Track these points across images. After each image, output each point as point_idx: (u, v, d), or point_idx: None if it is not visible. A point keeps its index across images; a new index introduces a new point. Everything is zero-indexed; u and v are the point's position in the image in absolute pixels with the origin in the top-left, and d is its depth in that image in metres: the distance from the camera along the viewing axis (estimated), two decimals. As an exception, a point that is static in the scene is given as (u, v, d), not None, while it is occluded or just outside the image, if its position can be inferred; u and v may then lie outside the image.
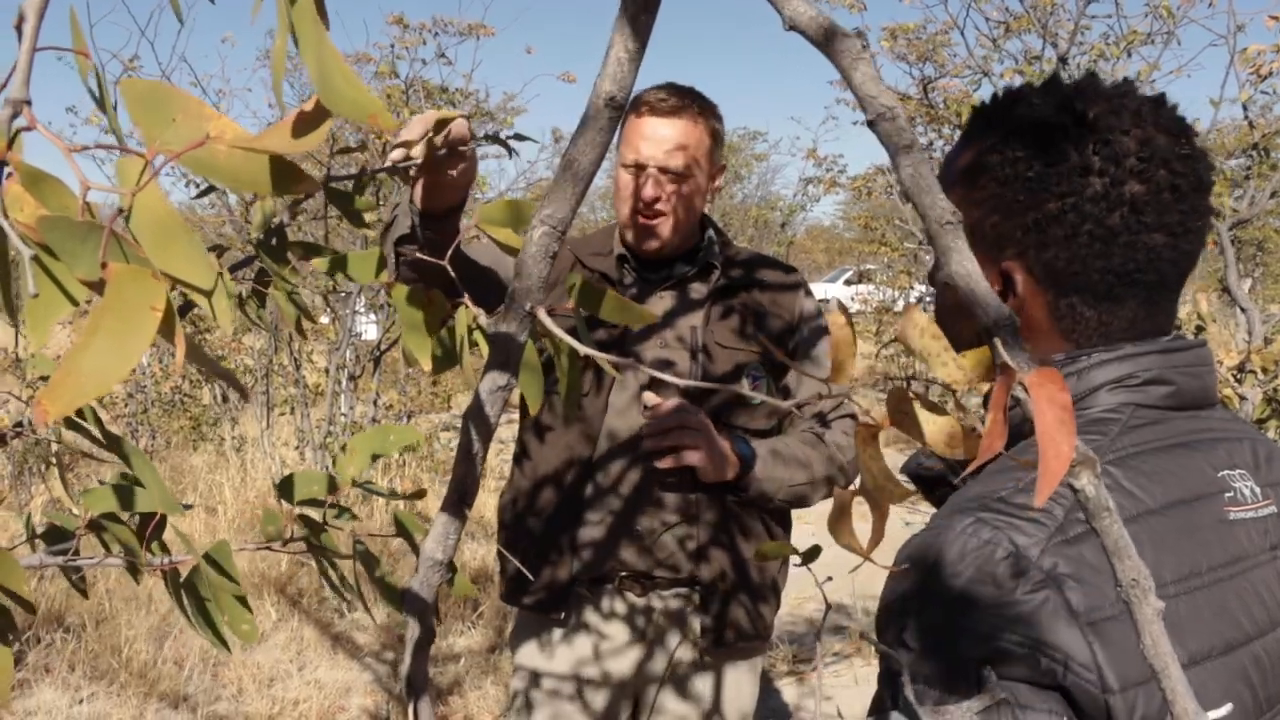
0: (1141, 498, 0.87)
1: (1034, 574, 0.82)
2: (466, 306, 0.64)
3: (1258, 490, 0.95)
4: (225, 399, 8.27)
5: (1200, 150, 0.95)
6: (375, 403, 6.90)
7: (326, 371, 7.20)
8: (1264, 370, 3.54)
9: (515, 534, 2.11)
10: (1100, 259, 0.93)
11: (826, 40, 0.48)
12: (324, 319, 7.57)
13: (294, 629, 4.83)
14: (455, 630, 4.96)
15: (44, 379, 0.92)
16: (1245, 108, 3.94)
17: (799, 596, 5.25)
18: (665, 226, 2.02)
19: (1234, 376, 3.58)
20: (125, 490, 0.79)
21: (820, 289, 22.24)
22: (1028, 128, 0.95)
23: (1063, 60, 4.79)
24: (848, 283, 21.56)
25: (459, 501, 0.65)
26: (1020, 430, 0.93)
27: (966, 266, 0.43)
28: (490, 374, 0.61)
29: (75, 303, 0.46)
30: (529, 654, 2.14)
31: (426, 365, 0.65)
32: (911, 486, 0.57)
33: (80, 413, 1.09)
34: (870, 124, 0.46)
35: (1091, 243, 0.93)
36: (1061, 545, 0.83)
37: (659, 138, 1.98)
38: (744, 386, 2.05)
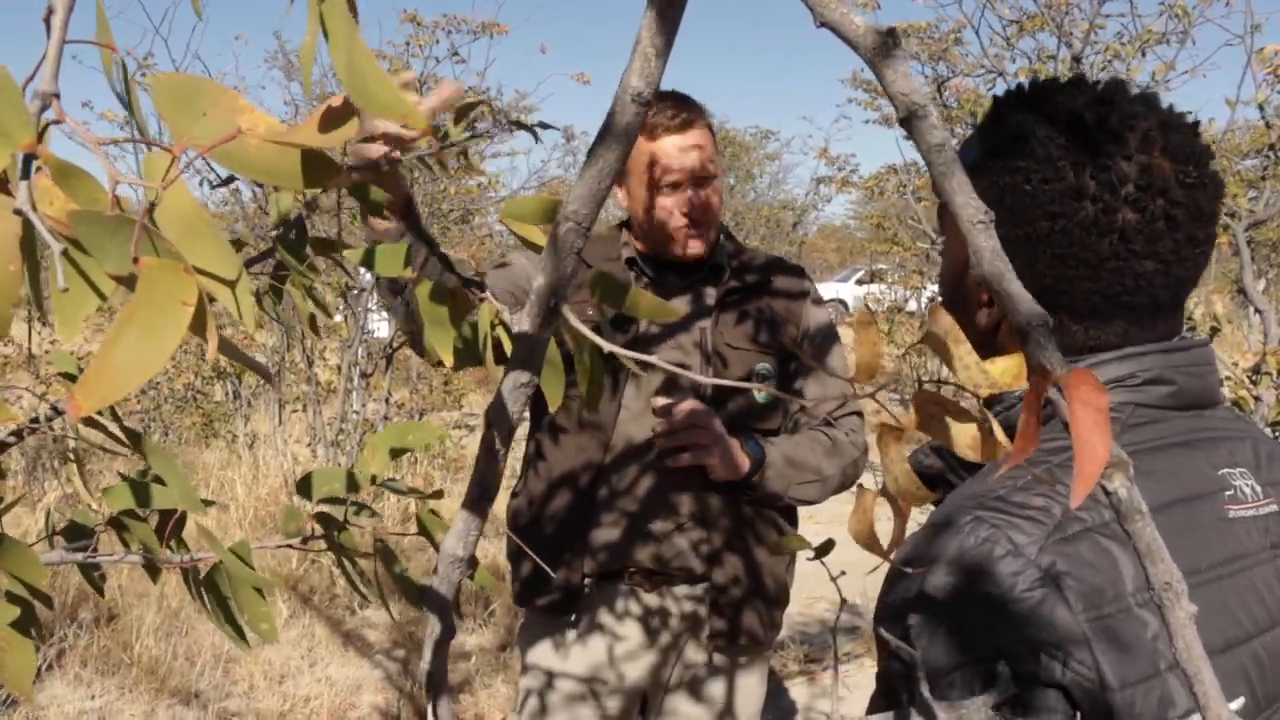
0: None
1: (1032, 572, 0.82)
2: (489, 302, 0.64)
3: (1259, 489, 0.94)
4: (237, 395, 8.29)
5: (1209, 177, 0.93)
6: (387, 400, 6.91)
7: (339, 369, 7.21)
8: (1279, 372, 3.52)
9: (527, 535, 2.12)
10: (1086, 282, 0.92)
11: (860, 38, 0.47)
12: (337, 316, 7.58)
13: (305, 626, 4.84)
14: (466, 629, 4.96)
15: (63, 375, 0.92)
16: (1262, 108, 3.91)
17: (810, 596, 5.24)
18: (711, 231, 2.09)
19: (1249, 378, 3.56)
20: (145, 487, 0.79)
21: (832, 288, 22.20)
22: (1032, 137, 0.93)
23: (1077, 60, 4.77)
24: (859, 282, 21.51)
25: (481, 498, 0.65)
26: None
27: (999, 266, 0.43)
28: (514, 371, 0.61)
29: (104, 297, 0.46)
30: (539, 653, 2.14)
31: (449, 361, 0.65)
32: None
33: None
34: (903, 121, 0.46)
35: (1078, 266, 0.92)
36: (1060, 543, 0.83)
37: (686, 151, 2.03)
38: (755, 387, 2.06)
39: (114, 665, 4.34)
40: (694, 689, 2.13)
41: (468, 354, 0.66)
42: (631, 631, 2.09)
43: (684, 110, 2.05)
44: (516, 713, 2.19)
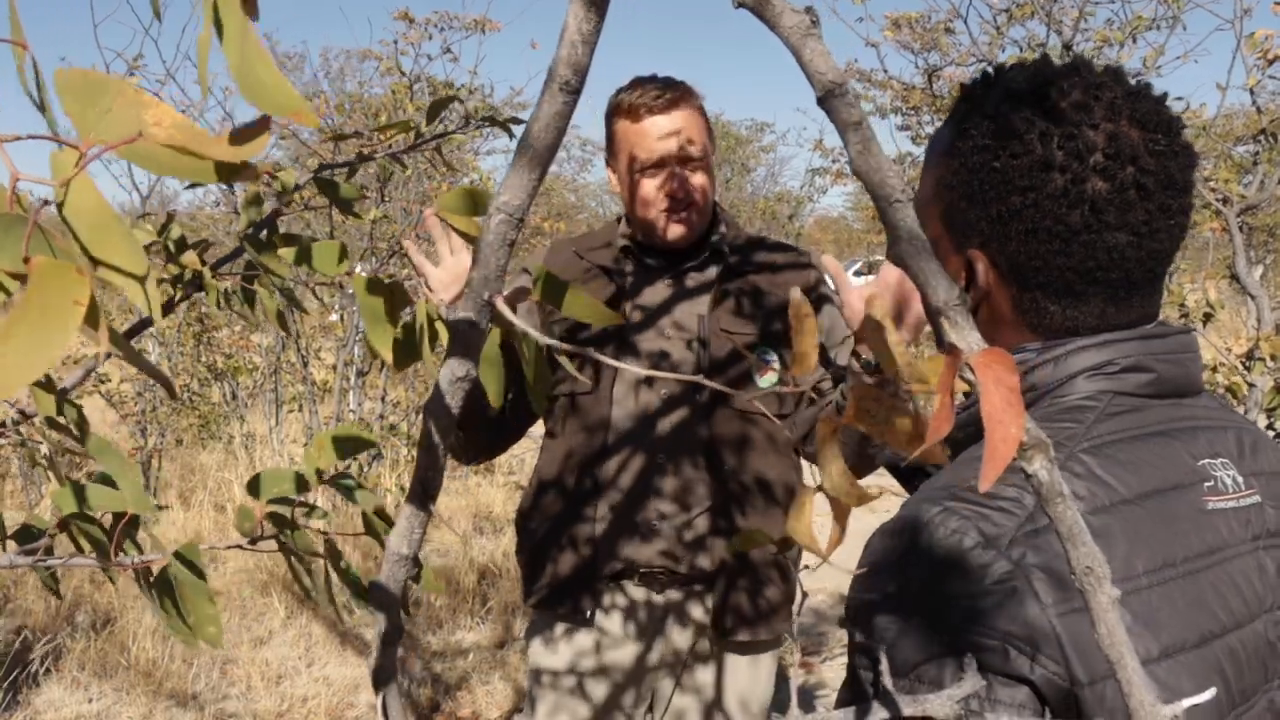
0: (1116, 487, 0.86)
1: (1002, 564, 0.80)
2: (427, 297, 0.63)
3: (1240, 479, 0.93)
4: (234, 396, 8.29)
5: (1180, 145, 0.92)
6: (383, 399, 6.91)
7: (334, 368, 7.21)
8: (1273, 357, 3.51)
9: (532, 532, 2.13)
10: (1060, 256, 0.91)
11: (775, 17, 0.46)
12: (333, 315, 7.57)
13: (302, 626, 4.84)
14: (464, 625, 4.96)
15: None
16: (1253, 93, 3.89)
17: (810, 588, 5.23)
18: (695, 215, 2.04)
19: (1243, 363, 3.55)
20: (97, 490, 0.78)
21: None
22: (999, 115, 0.93)
23: (1067, 47, 4.75)
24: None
25: (422, 495, 0.64)
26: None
27: (915, 246, 0.42)
28: (450, 364, 0.60)
29: (8, 293, 0.46)
30: (543, 652, 2.14)
31: (388, 358, 0.64)
32: (872, 490, 0.55)
33: (62, 412, 1.08)
34: (820, 101, 0.45)
35: (1051, 240, 0.91)
36: (1030, 535, 0.82)
37: (668, 132, 2.00)
38: (754, 368, 2.04)
39: (111, 668, 4.34)
40: (696, 681, 2.12)
41: (409, 350, 0.65)
42: (632, 626, 2.08)
43: (669, 91, 2.02)
44: (521, 711, 2.18)
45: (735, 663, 2.12)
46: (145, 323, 1.27)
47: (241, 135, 0.45)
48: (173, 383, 0.47)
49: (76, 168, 0.45)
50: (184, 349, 7.70)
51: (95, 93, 0.45)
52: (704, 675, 2.12)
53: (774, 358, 2.06)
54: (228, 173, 0.46)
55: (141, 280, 0.44)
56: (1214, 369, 3.62)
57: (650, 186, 2.02)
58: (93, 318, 0.39)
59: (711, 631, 2.06)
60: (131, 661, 4.36)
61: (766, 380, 2.06)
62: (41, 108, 0.50)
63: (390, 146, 1.65)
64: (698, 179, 2.04)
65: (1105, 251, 0.91)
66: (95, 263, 0.43)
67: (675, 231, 2.04)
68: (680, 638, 2.09)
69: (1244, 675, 0.86)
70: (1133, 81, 0.94)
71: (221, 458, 7.45)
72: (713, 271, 2.09)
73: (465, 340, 0.60)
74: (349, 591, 0.77)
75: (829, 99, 0.44)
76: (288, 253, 0.74)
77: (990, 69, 0.99)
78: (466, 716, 4.12)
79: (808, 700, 4.25)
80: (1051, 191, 0.90)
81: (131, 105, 0.44)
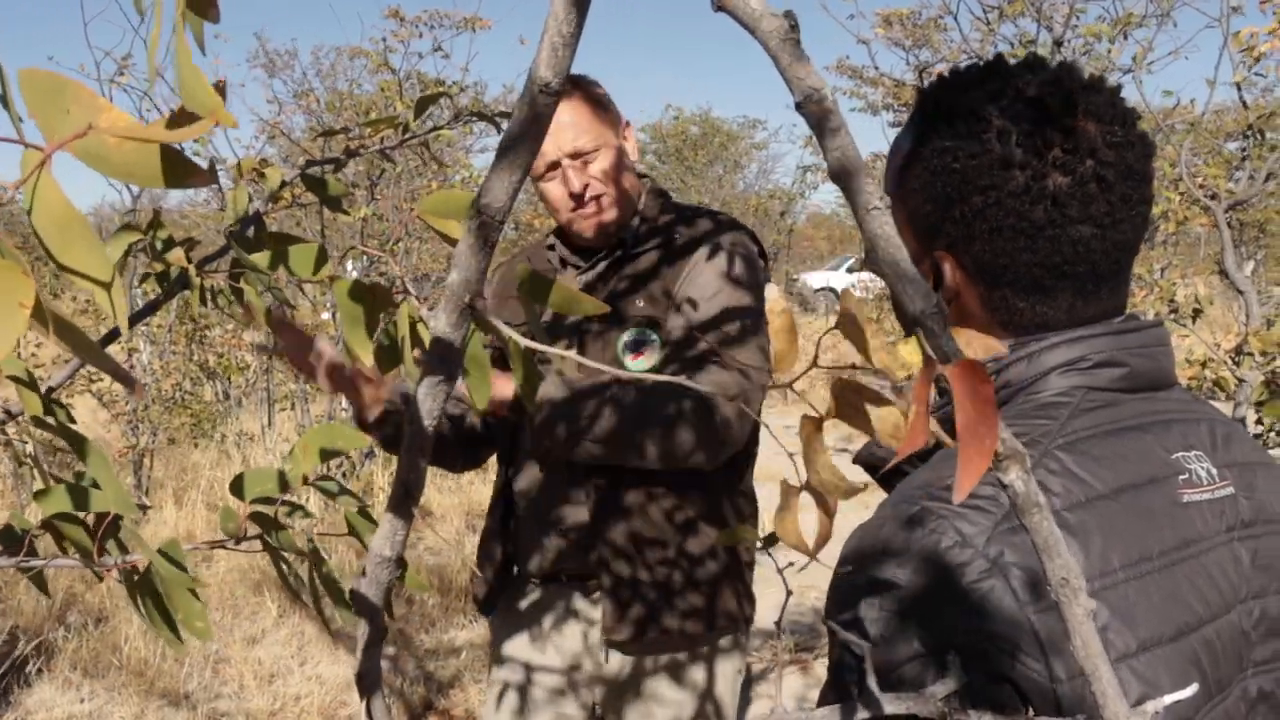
0: (1091, 482, 0.86)
1: (980, 563, 0.81)
2: (409, 300, 0.63)
3: (1214, 471, 0.93)
4: (227, 396, 8.27)
5: (1137, 136, 0.93)
6: (375, 397, 6.88)
7: (326, 366, 7.17)
8: (1262, 353, 3.51)
9: (483, 532, 2.19)
10: (1026, 253, 0.92)
11: (754, 21, 0.46)
12: (325, 315, 7.55)
13: (295, 625, 4.83)
14: (456, 624, 4.96)
15: (13, 379, 0.91)
16: (1239, 89, 3.90)
17: (802, 585, 5.24)
18: (604, 204, 1.96)
19: (1232, 359, 3.55)
20: (80, 490, 0.78)
21: (822, 277, 22.13)
22: (957, 117, 0.94)
23: (1058, 44, 4.76)
24: (850, 270, 21.48)
25: (404, 497, 0.64)
26: None
27: (893, 254, 0.41)
28: (430, 369, 0.60)
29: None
30: (495, 649, 2.18)
31: (368, 361, 0.64)
32: (859, 482, 0.55)
33: (50, 411, 1.08)
34: (798, 106, 0.45)
35: (1016, 237, 0.92)
36: (1008, 533, 0.82)
37: (549, 131, 1.93)
38: (620, 351, 1.96)
39: (103, 668, 4.33)
40: (622, 689, 2.05)
41: (390, 354, 0.65)
42: (549, 629, 2.08)
43: None
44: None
45: (649, 664, 2.03)
46: (113, 334, 1.27)
47: (180, 119, 0.45)
48: (134, 380, 0.46)
49: (36, 169, 0.45)
50: (176, 348, 7.68)
51: (55, 94, 0.45)
52: (624, 681, 2.05)
53: (648, 340, 1.95)
54: (175, 176, 0.46)
55: (107, 286, 0.44)
56: (1204, 364, 3.62)
57: (550, 190, 1.97)
58: (39, 316, 0.39)
59: (604, 637, 1.99)
60: (123, 661, 4.35)
61: (639, 364, 1.94)
62: (6, 106, 0.49)
63: (380, 142, 1.65)
64: (595, 170, 1.94)
65: (1070, 245, 0.92)
66: (62, 268, 0.43)
67: (587, 229, 1.98)
68: (589, 641, 2.04)
69: (1220, 666, 0.87)
70: (1087, 75, 0.95)
71: (214, 457, 7.43)
72: (612, 259, 2.01)
73: (446, 345, 0.60)
74: (328, 595, 0.77)
75: (807, 104, 0.44)
76: (262, 256, 0.74)
77: (946, 72, 1.00)
78: (460, 715, 4.12)
79: (807, 698, 4.25)
80: (1013, 189, 0.91)
81: (88, 108, 0.44)
